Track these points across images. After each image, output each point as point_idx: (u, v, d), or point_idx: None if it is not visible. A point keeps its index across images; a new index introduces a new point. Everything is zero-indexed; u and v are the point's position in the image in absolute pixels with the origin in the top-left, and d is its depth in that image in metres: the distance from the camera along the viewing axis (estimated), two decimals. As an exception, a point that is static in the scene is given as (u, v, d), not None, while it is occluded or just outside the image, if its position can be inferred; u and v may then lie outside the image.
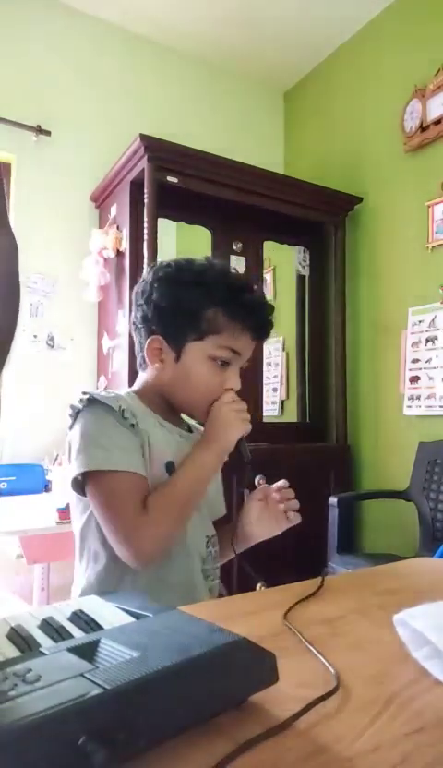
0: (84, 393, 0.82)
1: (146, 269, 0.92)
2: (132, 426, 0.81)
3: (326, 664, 0.50)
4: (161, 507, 0.78)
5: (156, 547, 0.78)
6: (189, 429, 0.96)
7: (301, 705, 0.44)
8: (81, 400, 0.82)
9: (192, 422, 0.98)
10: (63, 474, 2.10)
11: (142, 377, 0.94)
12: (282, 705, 0.43)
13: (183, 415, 0.95)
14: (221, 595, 0.94)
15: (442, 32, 2.41)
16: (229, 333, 0.86)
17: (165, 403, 0.91)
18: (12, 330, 0.46)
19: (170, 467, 0.84)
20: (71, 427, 0.83)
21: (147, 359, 0.90)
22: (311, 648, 0.53)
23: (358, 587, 0.76)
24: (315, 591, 0.71)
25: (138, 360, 0.93)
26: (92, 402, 0.81)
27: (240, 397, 0.89)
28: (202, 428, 0.91)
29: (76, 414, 0.82)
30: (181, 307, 0.86)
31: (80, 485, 0.80)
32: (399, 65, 2.62)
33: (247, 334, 0.88)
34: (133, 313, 0.93)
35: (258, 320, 0.89)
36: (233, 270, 0.95)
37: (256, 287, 0.93)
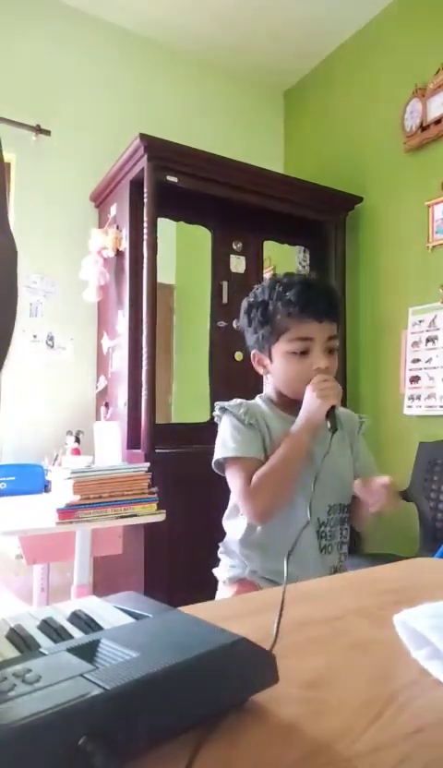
0: (217, 404, 1.12)
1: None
2: (250, 424, 1.07)
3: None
4: (261, 478, 1.02)
5: (262, 509, 1.03)
6: None
7: (301, 706, 0.44)
8: (219, 409, 1.12)
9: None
10: (62, 474, 2.10)
11: (266, 384, 1.20)
12: (283, 706, 0.43)
13: None
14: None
15: (442, 32, 2.41)
16: (293, 327, 1.04)
17: (287, 399, 1.12)
18: (9, 333, 0.46)
19: None
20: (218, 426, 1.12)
21: (257, 369, 1.14)
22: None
23: (358, 587, 0.76)
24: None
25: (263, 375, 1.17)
26: (225, 410, 1.10)
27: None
28: (345, 415, 1.16)
29: (219, 417, 1.12)
30: (256, 324, 1.09)
31: (221, 468, 1.09)
32: (399, 64, 2.62)
33: (309, 319, 1.04)
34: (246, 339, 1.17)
35: (308, 306, 1.03)
36: (283, 276, 1.11)
37: (306, 278, 1.12)
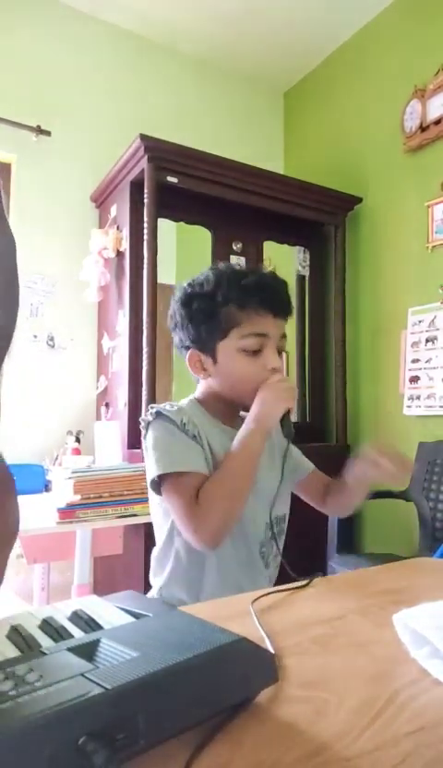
0: (151, 407, 0.93)
1: (171, 298, 1.01)
2: (194, 437, 0.90)
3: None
4: (212, 494, 0.85)
5: (213, 532, 0.85)
6: None
7: (302, 705, 0.44)
8: (151, 413, 0.93)
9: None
10: (63, 474, 2.10)
11: (199, 386, 1.01)
12: (283, 705, 0.43)
13: (242, 413, 1.01)
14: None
15: (442, 33, 2.41)
16: (246, 320, 0.91)
17: (224, 406, 0.98)
18: (12, 326, 0.46)
19: None
20: (144, 437, 0.94)
21: (192, 372, 0.97)
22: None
23: (358, 587, 0.76)
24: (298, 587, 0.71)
25: (194, 377, 1.01)
26: (159, 415, 0.91)
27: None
28: None
29: (147, 425, 0.93)
30: (199, 317, 0.93)
31: (157, 487, 0.90)
32: (399, 65, 2.62)
33: (265, 314, 0.92)
34: (173, 337, 1.01)
35: (267, 298, 0.92)
36: (235, 266, 0.98)
37: (258, 269, 0.98)
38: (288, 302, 0.96)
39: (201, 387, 1.00)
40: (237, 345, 0.91)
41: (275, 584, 0.93)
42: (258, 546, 0.95)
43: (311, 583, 0.75)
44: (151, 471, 0.89)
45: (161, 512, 0.95)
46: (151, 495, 0.94)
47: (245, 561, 0.93)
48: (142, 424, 0.95)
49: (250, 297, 0.90)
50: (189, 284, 0.97)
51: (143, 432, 0.94)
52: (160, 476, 0.88)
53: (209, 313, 0.92)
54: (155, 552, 0.98)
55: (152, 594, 0.96)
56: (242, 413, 1.00)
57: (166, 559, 0.94)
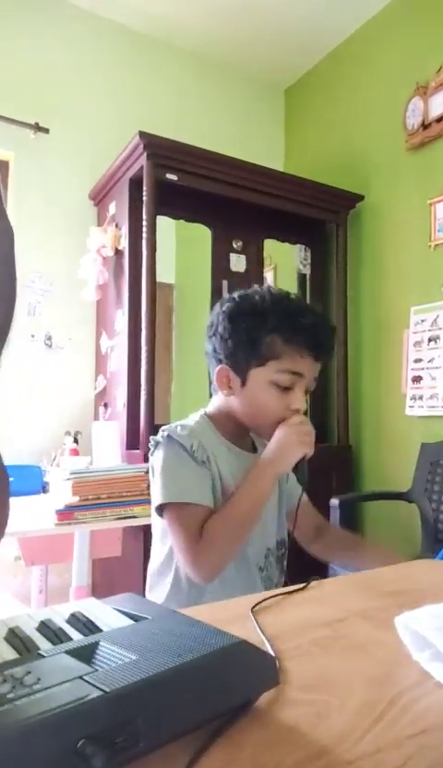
0: (163, 430, 0.93)
1: (217, 305, 1.01)
2: (203, 462, 0.90)
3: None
4: (215, 531, 0.86)
5: (212, 568, 0.86)
6: (254, 447, 1.03)
7: (303, 708, 0.43)
8: (162, 435, 0.93)
9: (260, 441, 1.03)
10: (61, 475, 2.10)
11: (215, 400, 1.01)
12: (284, 708, 0.43)
13: (252, 434, 1.02)
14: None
15: (443, 30, 2.41)
16: (288, 357, 0.90)
17: (235, 426, 0.98)
18: (9, 320, 0.46)
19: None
20: (152, 455, 0.95)
21: (217, 387, 0.97)
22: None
23: (360, 589, 0.76)
24: (296, 590, 0.71)
25: (212, 386, 1.00)
26: (170, 439, 0.92)
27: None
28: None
29: (156, 445, 0.94)
30: (241, 337, 0.92)
31: (161, 512, 0.91)
32: (400, 62, 2.61)
33: (306, 356, 0.92)
34: (205, 344, 1.01)
35: (314, 341, 0.92)
36: (291, 296, 0.98)
37: (314, 309, 0.98)
38: (332, 349, 0.98)
39: (216, 402, 1.00)
40: (270, 377, 0.91)
41: None
42: (258, 570, 0.96)
43: (309, 585, 0.75)
44: (157, 497, 0.90)
45: (161, 532, 0.96)
46: (154, 515, 0.95)
47: (246, 585, 0.93)
48: (152, 443, 0.95)
49: (299, 336, 0.90)
50: (241, 298, 0.96)
51: (151, 450, 0.95)
52: (164, 504, 0.88)
53: (252, 336, 0.91)
54: (152, 567, 0.98)
55: None
56: (252, 434, 1.02)
57: (164, 577, 0.95)
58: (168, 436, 0.92)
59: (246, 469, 0.93)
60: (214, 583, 0.90)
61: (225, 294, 1.09)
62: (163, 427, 0.94)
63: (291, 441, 0.90)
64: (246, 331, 0.92)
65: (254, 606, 0.64)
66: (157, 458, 0.92)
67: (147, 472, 1.71)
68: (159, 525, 0.96)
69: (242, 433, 0.99)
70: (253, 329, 0.91)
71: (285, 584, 0.96)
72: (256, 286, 1.00)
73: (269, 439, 0.93)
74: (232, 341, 0.93)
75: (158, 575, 0.96)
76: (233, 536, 0.87)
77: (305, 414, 0.95)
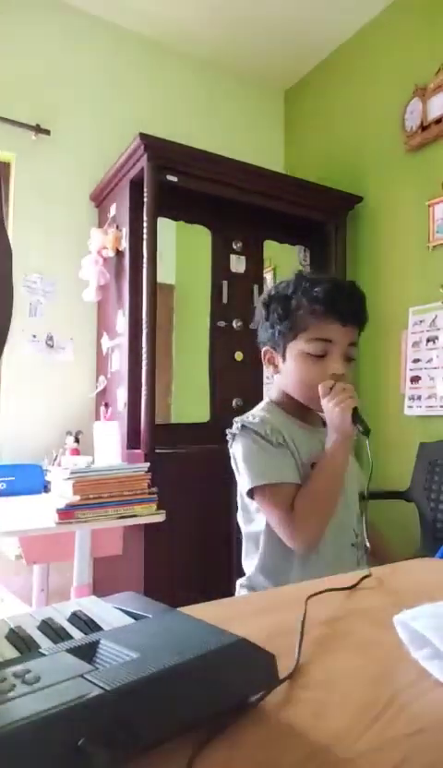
0: (236, 421, 1.01)
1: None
2: (280, 444, 0.97)
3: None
4: (304, 503, 0.93)
5: (309, 535, 0.94)
6: (323, 423, 1.05)
7: (301, 706, 0.43)
8: (236, 427, 1.00)
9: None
10: (62, 475, 2.10)
11: (272, 387, 1.10)
12: (283, 707, 0.43)
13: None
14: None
15: (442, 31, 2.41)
16: (314, 326, 0.98)
17: (295, 403, 1.04)
18: (5, 332, 0.46)
19: (314, 467, 0.99)
20: (231, 446, 1.03)
21: (265, 367, 1.07)
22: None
23: (359, 587, 0.76)
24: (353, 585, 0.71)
25: (267, 376, 1.10)
26: (244, 428, 0.99)
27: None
28: None
29: (233, 437, 1.01)
30: (274, 317, 1.01)
31: (251, 495, 0.98)
32: (399, 63, 2.62)
33: (334, 321, 0.97)
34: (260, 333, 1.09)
35: (334, 307, 0.97)
36: (313, 274, 1.06)
37: (335, 278, 1.04)
38: (359, 311, 1.01)
39: (274, 387, 1.07)
40: (302, 348, 0.98)
41: None
42: (350, 538, 1.01)
43: (363, 582, 0.75)
44: (245, 482, 0.97)
45: (244, 517, 1.04)
46: (241, 501, 1.03)
47: (333, 558, 0.98)
48: (228, 436, 1.03)
49: (319, 304, 0.96)
50: (274, 287, 1.06)
51: (230, 443, 1.03)
52: (253, 488, 0.95)
53: (283, 315, 1.00)
54: (246, 531, 1.05)
55: (241, 580, 1.02)
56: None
57: (251, 560, 1.02)
58: (242, 426, 0.99)
59: (321, 443, 1.00)
60: (298, 558, 0.97)
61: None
62: (235, 419, 1.02)
63: (335, 406, 0.95)
64: (277, 312, 1.01)
65: (312, 597, 0.64)
66: (237, 448, 1.00)
67: (147, 471, 1.72)
68: (246, 511, 1.03)
69: (307, 410, 1.04)
70: (282, 308, 1.00)
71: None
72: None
73: (318, 409, 0.99)
74: (268, 324, 1.03)
75: (246, 558, 1.04)
76: (323, 507, 0.94)
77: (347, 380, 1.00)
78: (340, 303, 0.97)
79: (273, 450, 0.96)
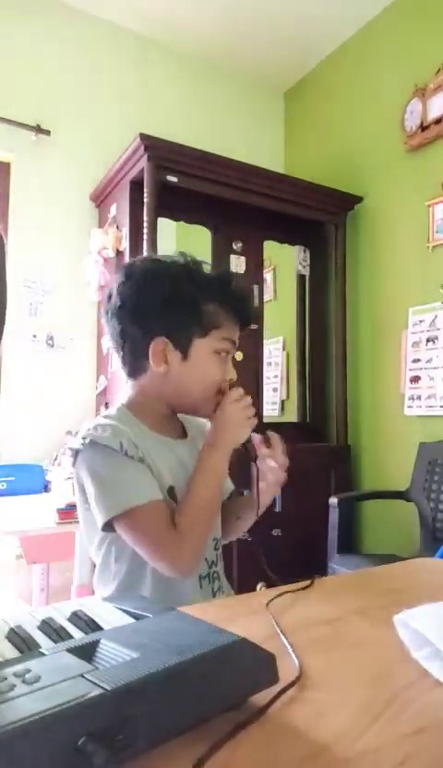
0: (82, 437, 0.82)
1: (121, 277, 0.90)
2: (141, 458, 0.82)
3: (292, 654, 0.50)
4: (187, 520, 0.81)
5: (195, 556, 0.82)
6: (184, 432, 0.96)
7: (302, 706, 0.43)
8: (82, 443, 0.81)
9: (186, 418, 0.98)
10: (62, 474, 2.10)
11: (136, 385, 0.91)
12: (283, 706, 0.43)
13: (179, 415, 0.96)
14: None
15: (442, 31, 2.41)
16: (227, 326, 0.88)
17: (163, 411, 0.91)
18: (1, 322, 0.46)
19: (172, 492, 0.85)
20: (75, 466, 0.85)
21: (152, 362, 0.86)
22: (284, 640, 0.53)
23: (359, 588, 0.76)
24: (303, 588, 0.71)
25: (127, 370, 0.91)
26: (93, 444, 0.80)
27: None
28: (199, 423, 0.96)
29: (75, 454, 0.83)
30: (181, 303, 0.85)
31: (109, 525, 0.80)
32: (399, 64, 2.62)
33: (237, 324, 0.90)
34: (112, 323, 0.89)
35: (246, 310, 0.92)
36: (205, 262, 0.94)
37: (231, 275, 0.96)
38: (254, 319, 0.96)
39: (135, 388, 0.90)
40: (215, 346, 0.87)
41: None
42: (207, 567, 0.90)
43: (313, 584, 0.75)
44: (100, 513, 0.79)
45: (96, 547, 0.88)
46: (89, 533, 0.87)
47: (187, 589, 0.86)
48: (71, 452, 0.85)
49: (234, 304, 0.88)
50: (156, 261, 0.90)
51: (73, 460, 0.84)
52: (127, 510, 0.78)
53: (193, 304, 0.85)
54: (96, 574, 0.91)
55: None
56: (180, 415, 0.95)
57: (106, 588, 0.87)
58: (90, 442, 0.80)
59: (178, 461, 0.88)
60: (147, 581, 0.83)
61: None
62: (80, 433, 0.83)
63: (237, 417, 0.86)
64: (189, 298, 0.85)
65: (268, 602, 0.65)
66: (82, 469, 0.82)
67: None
68: (94, 539, 0.87)
69: (170, 419, 0.93)
70: (192, 296, 0.85)
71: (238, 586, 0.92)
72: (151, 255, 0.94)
73: (207, 414, 0.89)
74: (168, 310, 0.84)
75: (103, 574, 0.89)
76: (206, 523, 0.83)
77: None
78: (249, 308, 0.92)
79: (131, 465, 0.80)
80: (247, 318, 0.91)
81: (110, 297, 0.89)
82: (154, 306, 0.85)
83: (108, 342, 0.94)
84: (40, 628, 0.47)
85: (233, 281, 0.91)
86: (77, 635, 0.45)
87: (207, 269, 0.91)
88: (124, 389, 0.94)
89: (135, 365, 0.89)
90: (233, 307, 0.88)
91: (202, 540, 0.82)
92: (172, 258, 0.90)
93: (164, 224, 2.39)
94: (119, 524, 0.80)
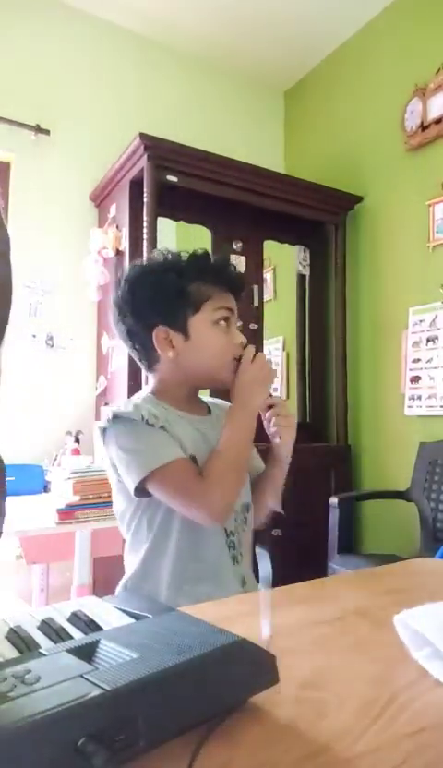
0: (106, 415, 0.90)
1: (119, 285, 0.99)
2: (162, 427, 0.87)
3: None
4: (217, 471, 0.86)
5: (226, 503, 0.86)
6: (209, 410, 1.01)
7: (302, 706, 0.43)
8: (107, 420, 0.89)
9: (211, 401, 1.04)
10: (62, 474, 2.10)
11: (155, 375, 0.98)
12: (283, 706, 0.43)
13: (202, 397, 1.02)
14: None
15: (442, 31, 2.41)
16: (216, 296, 0.93)
17: (183, 392, 0.97)
18: (4, 320, 0.46)
19: (194, 461, 0.90)
20: (105, 444, 0.91)
21: (159, 350, 0.92)
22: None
23: (359, 588, 0.76)
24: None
25: (145, 364, 0.98)
26: (116, 418, 0.88)
27: None
28: (223, 404, 1.01)
29: (103, 432, 0.90)
30: (167, 292, 0.92)
31: (141, 491, 0.86)
32: (399, 63, 2.62)
33: (227, 291, 0.95)
34: (119, 329, 0.97)
35: (230, 275, 0.97)
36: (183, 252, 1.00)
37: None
38: (242, 281, 1.00)
39: (156, 377, 0.97)
40: (212, 318, 0.92)
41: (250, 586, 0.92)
42: (225, 536, 0.93)
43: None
44: (131, 477, 0.85)
45: (128, 518, 0.93)
46: (120, 500, 0.93)
47: (208, 555, 0.91)
48: (98, 431, 0.91)
49: (216, 275, 0.93)
50: (143, 266, 0.97)
51: (102, 439, 0.91)
52: (152, 471, 0.84)
53: (178, 288, 0.91)
54: (126, 547, 0.97)
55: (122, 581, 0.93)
56: (203, 397, 1.02)
57: (139, 547, 0.93)
58: (114, 417, 0.88)
59: (200, 435, 0.93)
60: (170, 554, 0.89)
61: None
62: (107, 409, 0.92)
63: (256, 375, 0.91)
64: (171, 287, 0.92)
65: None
66: (110, 444, 0.89)
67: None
68: (126, 513, 0.93)
69: (193, 398, 0.99)
70: (175, 282, 0.92)
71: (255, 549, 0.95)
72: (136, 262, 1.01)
73: (228, 381, 0.93)
74: (158, 301, 0.92)
75: (134, 545, 0.94)
76: (234, 477, 0.88)
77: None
78: (231, 273, 0.96)
79: (154, 432, 0.86)
80: (231, 280, 0.96)
81: (112, 310, 0.97)
82: (145, 302, 0.93)
83: (123, 346, 1.01)
84: (39, 628, 0.47)
85: (208, 254, 0.96)
86: (77, 635, 0.45)
87: (184, 255, 0.96)
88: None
89: (148, 357, 0.96)
90: (215, 277, 0.93)
91: (232, 490, 0.87)
92: (153, 259, 0.97)
93: (164, 224, 2.39)
94: (151, 484, 0.85)
